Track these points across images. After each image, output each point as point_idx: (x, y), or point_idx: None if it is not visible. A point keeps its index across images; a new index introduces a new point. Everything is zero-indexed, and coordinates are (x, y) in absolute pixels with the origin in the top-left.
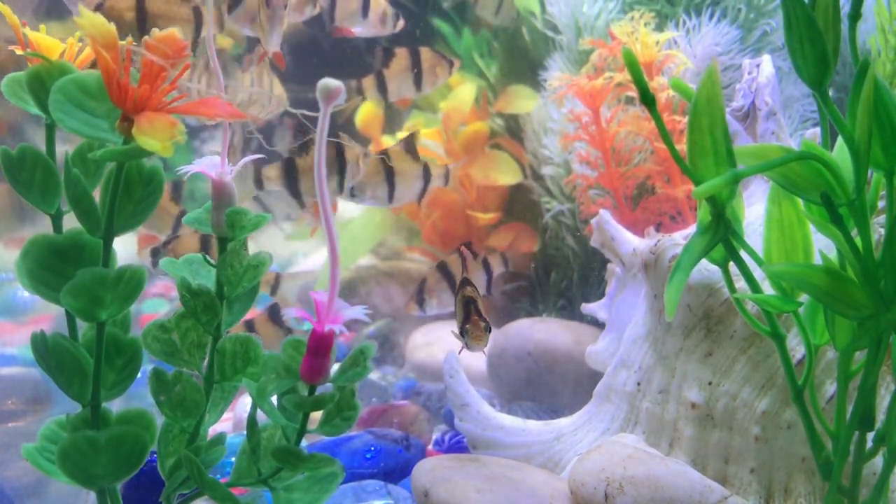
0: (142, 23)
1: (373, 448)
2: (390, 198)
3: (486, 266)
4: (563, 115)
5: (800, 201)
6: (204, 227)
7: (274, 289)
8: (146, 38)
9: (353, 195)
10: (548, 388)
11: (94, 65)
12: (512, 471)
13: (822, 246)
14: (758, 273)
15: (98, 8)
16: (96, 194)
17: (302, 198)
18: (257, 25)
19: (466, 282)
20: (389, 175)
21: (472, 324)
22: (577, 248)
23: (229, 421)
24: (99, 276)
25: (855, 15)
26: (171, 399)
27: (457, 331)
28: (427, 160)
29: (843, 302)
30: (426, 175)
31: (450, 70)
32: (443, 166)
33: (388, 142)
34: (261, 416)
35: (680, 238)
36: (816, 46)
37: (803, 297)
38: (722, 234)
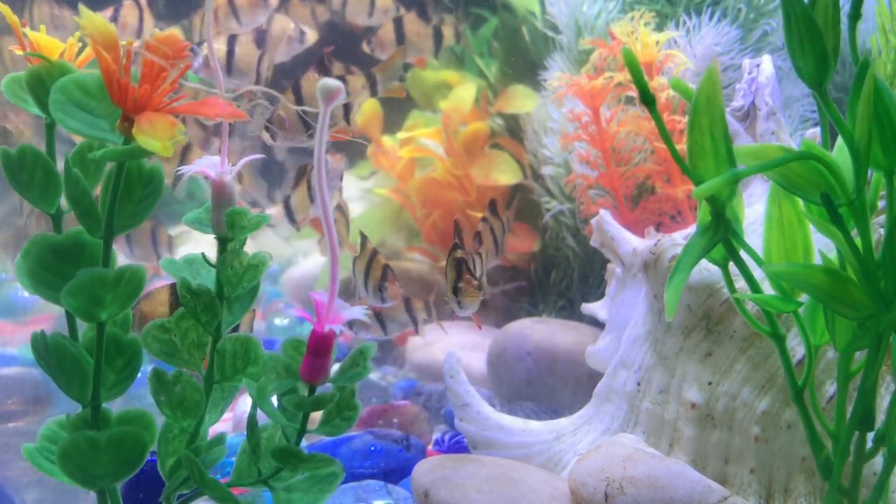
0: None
1: (373, 448)
2: None
3: (492, 230)
4: (563, 115)
5: (800, 201)
6: (204, 228)
7: None
8: (147, 38)
9: None
10: (548, 388)
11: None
12: (512, 471)
13: (822, 246)
14: (758, 273)
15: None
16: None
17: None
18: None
19: (457, 246)
20: None
21: (464, 283)
22: (577, 248)
23: (229, 421)
24: (99, 276)
25: (855, 15)
26: (171, 399)
27: (448, 293)
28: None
29: (843, 302)
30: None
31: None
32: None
33: (387, 142)
34: (261, 416)
35: (680, 238)
36: (816, 46)
37: (803, 297)
38: (722, 234)
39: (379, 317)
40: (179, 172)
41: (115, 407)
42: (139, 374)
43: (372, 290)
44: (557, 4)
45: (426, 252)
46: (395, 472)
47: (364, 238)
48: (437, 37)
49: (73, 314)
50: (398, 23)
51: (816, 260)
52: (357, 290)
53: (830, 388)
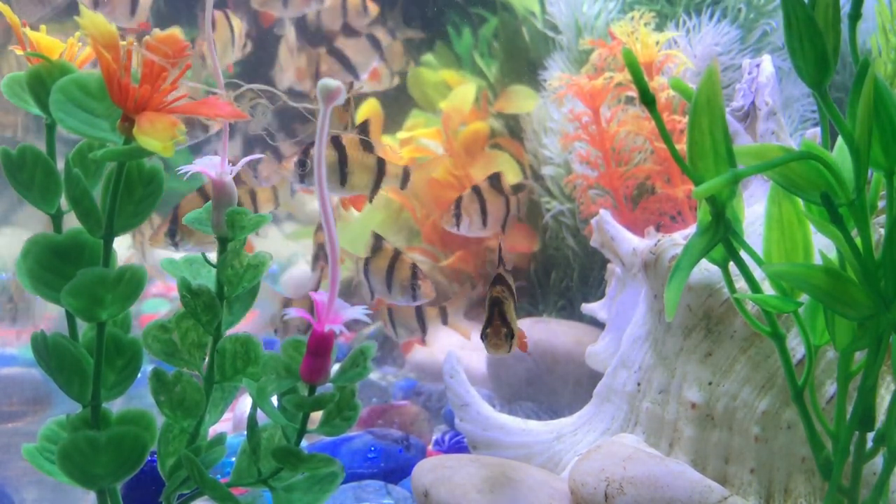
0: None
1: (373, 448)
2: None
3: (507, 203)
4: (563, 115)
5: (800, 201)
6: (204, 227)
7: None
8: (147, 38)
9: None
10: (548, 388)
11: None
12: (512, 471)
13: (822, 246)
14: (758, 273)
15: None
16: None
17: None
18: None
19: (499, 279)
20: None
21: (492, 329)
22: (577, 248)
23: (229, 421)
24: (99, 276)
25: (855, 15)
26: (171, 399)
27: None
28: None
29: (843, 302)
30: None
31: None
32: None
33: (387, 142)
34: (261, 416)
35: (680, 238)
36: (816, 46)
37: (803, 297)
38: (722, 234)
39: (392, 319)
40: (180, 171)
41: (115, 407)
42: (139, 374)
43: (400, 289)
44: (557, 4)
45: (426, 252)
46: (395, 472)
47: (380, 238)
48: (375, 43)
49: (73, 314)
50: (337, 53)
51: (816, 260)
52: (371, 290)
53: (830, 388)
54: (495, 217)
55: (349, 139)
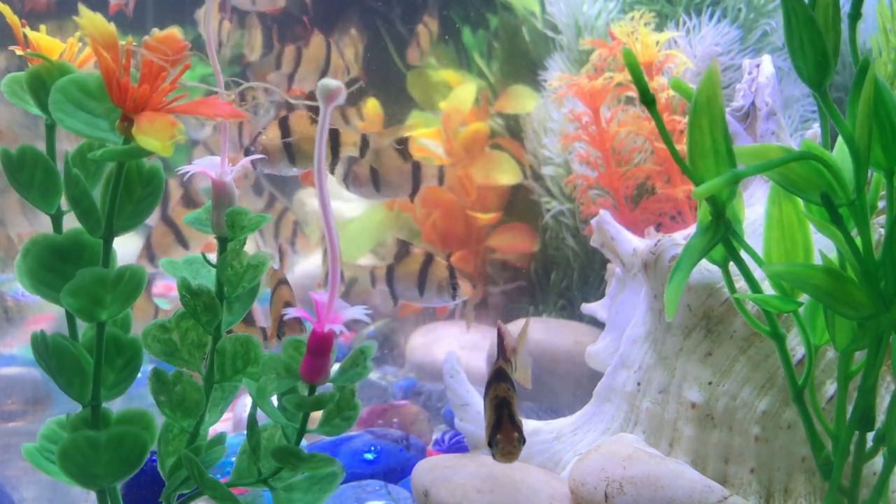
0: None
1: (373, 448)
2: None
3: (417, 170)
4: (563, 115)
5: (800, 201)
6: (204, 228)
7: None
8: (146, 38)
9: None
10: (548, 388)
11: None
12: (512, 471)
13: (822, 246)
14: (758, 273)
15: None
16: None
17: None
18: None
19: (501, 375)
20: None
21: (503, 435)
22: (577, 248)
23: (229, 421)
24: (99, 276)
25: (855, 15)
26: (171, 399)
27: (485, 435)
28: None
29: (843, 302)
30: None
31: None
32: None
33: None
34: (261, 416)
35: (680, 238)
36: (816, 46)
37: (803, 297)
38: (722, 234)
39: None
40: (180, 172)
41: (115, 407)
42: (139, 374)
43: (437, 290)
44: (557, 4)
45: None
46: (395, 472)
47: (406, 244)
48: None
49: (73, 314)
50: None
51: (816, 260)
52: (395, 297)
53: (830, 388)
54: (401, 184)
55: (296, 115)
